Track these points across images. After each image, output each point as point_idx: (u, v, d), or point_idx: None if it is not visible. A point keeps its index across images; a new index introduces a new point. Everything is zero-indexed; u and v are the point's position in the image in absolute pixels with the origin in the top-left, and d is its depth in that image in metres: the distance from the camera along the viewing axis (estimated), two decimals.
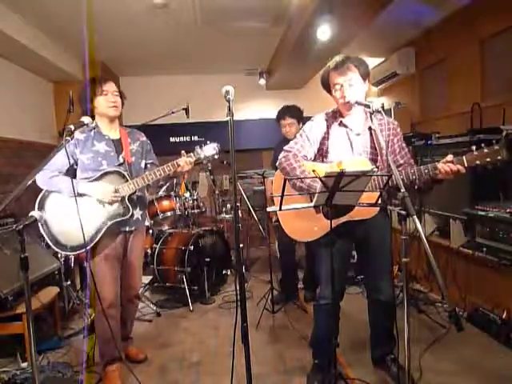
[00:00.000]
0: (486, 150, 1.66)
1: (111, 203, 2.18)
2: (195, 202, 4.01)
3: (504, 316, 2.60)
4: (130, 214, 2.22)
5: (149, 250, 3.82)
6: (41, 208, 2.18)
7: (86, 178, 2.20)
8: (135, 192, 2.24)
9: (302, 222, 2.06)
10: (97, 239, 2.17)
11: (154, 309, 3.45)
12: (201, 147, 2.25)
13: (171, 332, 3.07)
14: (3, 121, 3.57)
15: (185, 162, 2.21)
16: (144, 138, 2.47)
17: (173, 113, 3.66)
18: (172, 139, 5.53)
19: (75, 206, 1.94)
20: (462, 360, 2.38)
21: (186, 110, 3.69)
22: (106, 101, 2.21)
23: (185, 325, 3.21)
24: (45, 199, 2.20)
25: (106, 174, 2.20)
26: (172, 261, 3.69)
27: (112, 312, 2.23)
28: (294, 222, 2.11)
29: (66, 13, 3.23)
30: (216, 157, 2.28)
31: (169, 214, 3.92)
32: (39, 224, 2.12)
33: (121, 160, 2.28)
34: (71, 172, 2.23)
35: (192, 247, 3.60)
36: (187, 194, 4.00)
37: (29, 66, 3.93)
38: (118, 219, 2.20)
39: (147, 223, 3.86)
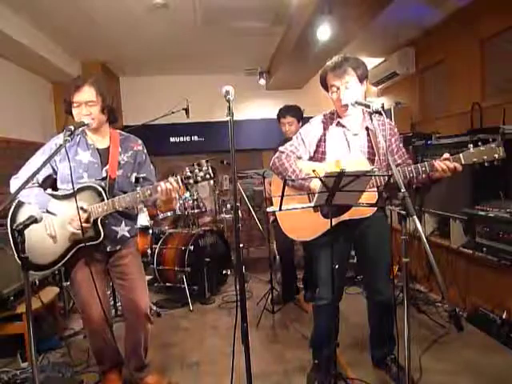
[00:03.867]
0: (482, 148, 1.69)
1: (75, 229, 1.91)
2: (195, 202, 4.01)
3: (504, 316, 2.60)
4: (101, 239, 1.96)
5: (149, 250, 3.81)
6: (13, 219, 1.96)
7: (66, 190, 1.97)
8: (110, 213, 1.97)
9: (300, 221, 2.06)
10: (62, 262, 1.97)
11: (154, 309, 3.44)
12: (192, 169, 1.85)
13: (171, 332, 3.07)
14: (3, 121, 3.56)
15: (161, 189, 1.87)
16: (139, 147, 2.16)
17: (173, 113, 3.66)
18: (172, 139, 5.50)
19: (43, 224, 1.84)
20: (462, 360, 2.38)
21: (186, 110, 3.70)
22: (78, 114, 1.94)
23: (185, 325, 3.21)
24: (17, 210, 1.97)
25: (82, 189, 1.94)
26: (172, 261, 3.68)
27: (101, 328, 2.10)
28: (291, 221, 2.11)
29: (66, 13, 3.23)
30: (212, 182, 1.99)
31: (169, 213, 3.93)
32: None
33: (103, 174, 2.02)
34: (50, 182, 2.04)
35: (192, 247, 3.61)
36: (187, 194, 4.00)
37: (29, 66, 3.92)
38: (87, 243, 1.94)
39: (147, 223, 3.88)
